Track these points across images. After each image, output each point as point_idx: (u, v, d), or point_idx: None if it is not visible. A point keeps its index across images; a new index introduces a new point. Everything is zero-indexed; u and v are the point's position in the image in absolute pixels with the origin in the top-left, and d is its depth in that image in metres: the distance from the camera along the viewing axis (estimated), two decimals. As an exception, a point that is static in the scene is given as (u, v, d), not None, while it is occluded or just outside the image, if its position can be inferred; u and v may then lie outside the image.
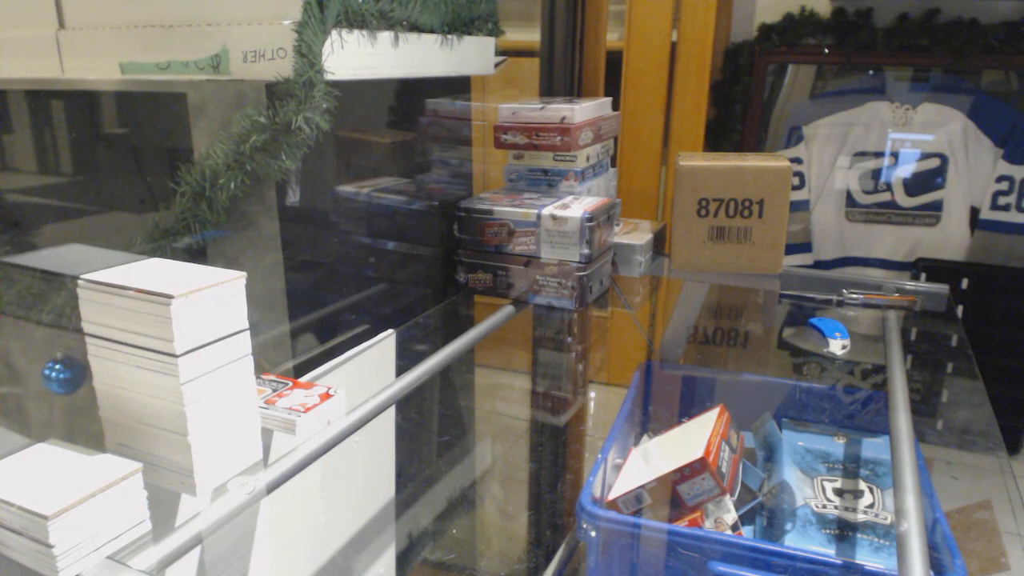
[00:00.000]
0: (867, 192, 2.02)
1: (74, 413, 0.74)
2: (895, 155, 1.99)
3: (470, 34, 0.97)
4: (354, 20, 0.74)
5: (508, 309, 1.00)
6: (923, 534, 0.60)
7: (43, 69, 0.81)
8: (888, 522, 0.89)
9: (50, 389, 0.67)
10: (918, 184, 1.99)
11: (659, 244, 1.20)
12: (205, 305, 0.54)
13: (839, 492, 0.95)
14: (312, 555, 0.86)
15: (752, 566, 0.78)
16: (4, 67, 0.83)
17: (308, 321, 0.85)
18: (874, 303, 1.03)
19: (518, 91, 1.29)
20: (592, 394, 1.47)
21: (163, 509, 0.56)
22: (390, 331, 0.91)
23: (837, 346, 1.02)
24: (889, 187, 2.01)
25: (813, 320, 1.06)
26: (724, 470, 0.95)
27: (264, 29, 0.70)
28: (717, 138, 2.10)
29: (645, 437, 1.16)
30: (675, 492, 0.93)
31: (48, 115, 0.85)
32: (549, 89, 1.30)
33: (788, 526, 0.91)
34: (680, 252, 1.10)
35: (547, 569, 1.07)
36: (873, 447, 1.05)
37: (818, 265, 2.09)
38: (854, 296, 1.04)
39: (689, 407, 1.20)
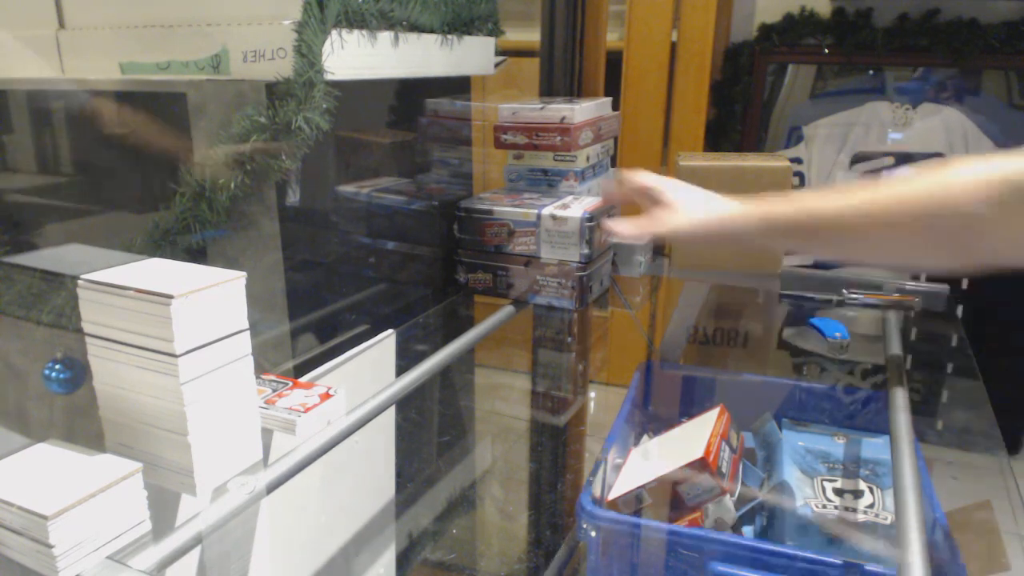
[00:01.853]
0: (867, 192, 2.02)
1: (74, 413, 0.74)
2: (895, 155, 1.99)
3: (470, 34, 0.97)
4: (354, 20, 0.74)
5: (508, 309, 1.00)
6: (923, 534, 0.60)
7: (43, 69, 0.81)
8: (888, 522, 0.89)
9: (50, 389, 0.67)
10: (918, 184, 1.99)
11: (659, 244, 1.20)
12: (205, 305, 0.54)
13: (839, 492, 0.95)
14: (312, 555, 0.86)
15: (752, 566, 0.78)
16: (4, 67, 0.83)
17: (308, 321, 0.85)
18: (874, 303, 1.03)
19: (518, 91, 1.29)
20: (592, 394, 1.47)
21: (163, 509, 0.56)
22: (390, 331, 0.91)
23: (837, 346, 1.02)
24: (889, 187, 2.01)
25: (813, 320, 1.06)
26: (724, 470, 0.95)
27: (264, 29, 0.70)
28: (717, 138, 2.10)
29: (645, 437, 1.16)
30: (675, 492, 0.93)
31: (48, 115, 0.85)
32: (549, 89, 1.30)
33: (788, 526, 0.91)
34: (680, 252, 1.10)
35: (547, 569, 1.08)
36: (873, 447, 1.05)
37: (818, 265, 2.09)
38: (854, 296, 1.04)
39: (689, 407, 1.20)
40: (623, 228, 0.83)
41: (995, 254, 0.65)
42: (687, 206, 0.80)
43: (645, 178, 0.84)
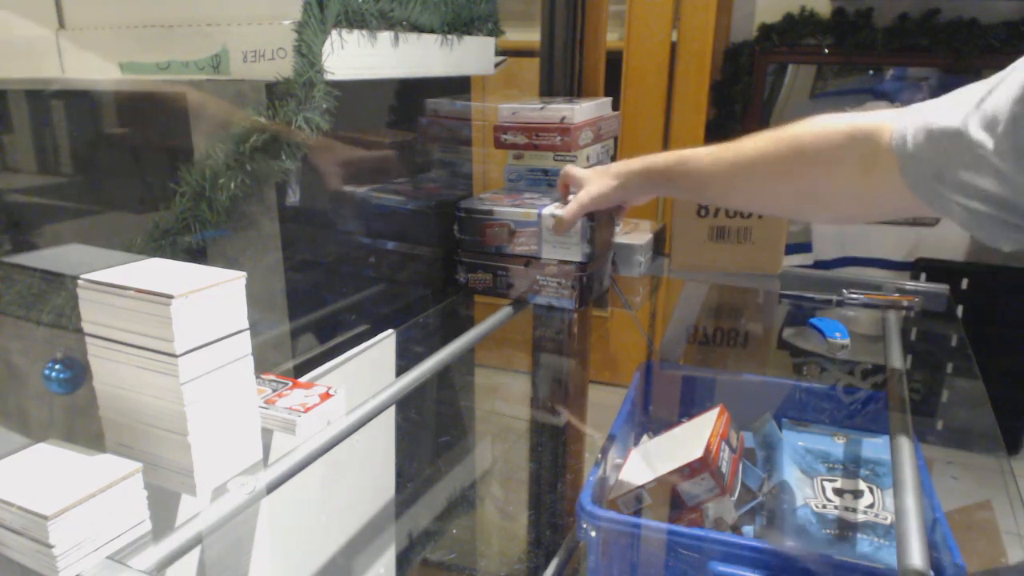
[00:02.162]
0: (867, 192, 2.02)
1: (74, 413, 0.74)
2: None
3: (470, 34, 0.97)
4: (354, 20, 0.74)
5: (508, 309, 1.00)
6: (923, 534, 0.60)
7: (43, 69, 0.81)
8: (888, 522, 0.89)
9: (50, 389, 0.67)
10: (918, 184, 1.99)
11: (659, 244, 1.19)
12: (205, 305, 0.54)
13: (839, 492, 0.95)
14: (312, 555, 0.86)
15: (752, 566, 0.78)
16: (4, 67, 0.83)
17: (308, 321, 0.85)
18: (874, 303, 1.03)
19: (518, 91, 1.29)
20: (592, 394, 1.47)
21: (163, 509, 0.56)
22: (390, 331, 0.91)
23: (837, 346, 1.02)
24: (889, 187, 2.00)
25: (813, 320, 1.06)
26: (724, 470, 0.95)
27: (264, 29, 0.70)
28: (717, 138, 2.10)
29: (645, 437, 1.16)
30: (675, 492, 0.93)
31: (48, 115, 0.85)
32: (549, 89, 1.30)
33: (788, 526, 0.91)
34: (680, 252, 1.10)
35: (547, 569, 1.07)
36: (873, 447, 1.05)
37: (818, 265, 2.08)
38: (854, 296, 1.04)
39: (689, 407, 1.20)
40: (560, 226, 0.94)
41: (848, 206, 0.70)
42: (592, 179, 0.92)
43: (567, 170, 0.97)
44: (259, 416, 0.62)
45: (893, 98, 1.96)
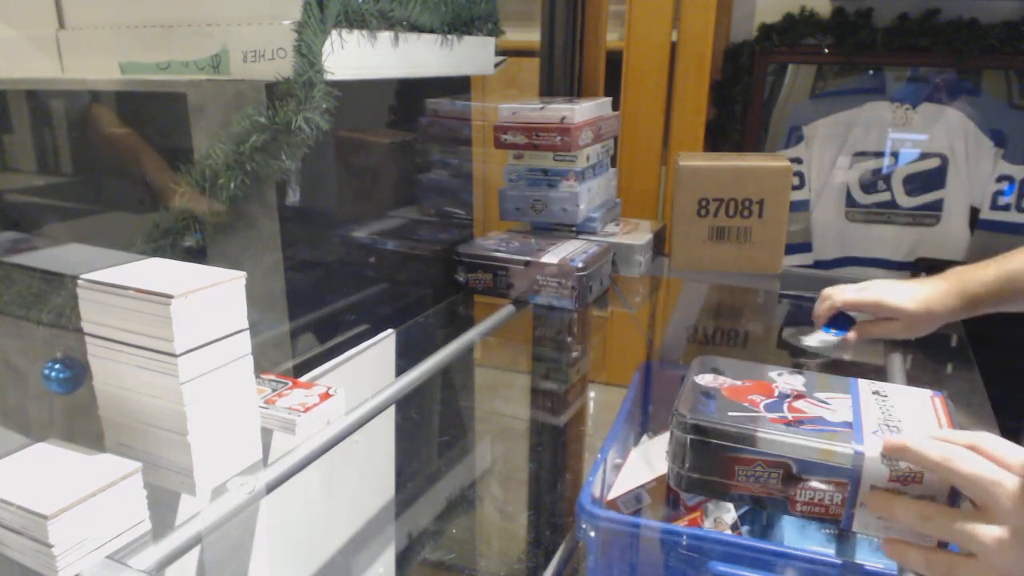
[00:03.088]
0: (867, 192, 2.02)
1: (74, 413, 0.74)
2: (895, 155, 1.99)
3: (470, 34, 0.97)
4: (354, 20, 0.74)
5: (508, 309, 1.00)
6: (923, 534, 0.60)
7: (43, 69, 0.81)
8: (888, 522, 0.89)
9: (50, 389, 0.67)
10: (918, 184, 1.99)
11: (659, 244, 1.19)
12: (205, 305, 0.54)
13: (839, 492, 0.95)
14: (312, 555, 0.86)
15: (752, 566, 0.78)
16: (4, 67, 0.83)
17: (308, 321, 0.85)
18: (874, 303, 1.02)
19: (518, 91, 1.29)
20: (592, 394, 1.47)
21: (163, 509, 0.56)
22: (390, 331, 0.91)
23: (837, 346, 1.01)
24: (889, 187, 2.01)
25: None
26: (724, 470, 0.95)
27: (264, 29, 0.70)
28: (717, 138, 2.10)
29: (645, 437, 1.16)
30: (675, 492, 0.93)
31: (48, 115, 0.85)
32: (549, 89, 1.30)
33: (788, 526, 0.91)
34: (680, 252, 1.10)
35: (547, 569, 1.07)
36: (873, 447, 1.05)
37: (818, 265, 2.08)
38: (854, 296, 1.03)
39: (689, 407, 1.20)
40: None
41: None
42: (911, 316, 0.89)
43: (853, 296, 0.91)
44: (259, 416, 0.62)
45: (893, 98, 1.96)
